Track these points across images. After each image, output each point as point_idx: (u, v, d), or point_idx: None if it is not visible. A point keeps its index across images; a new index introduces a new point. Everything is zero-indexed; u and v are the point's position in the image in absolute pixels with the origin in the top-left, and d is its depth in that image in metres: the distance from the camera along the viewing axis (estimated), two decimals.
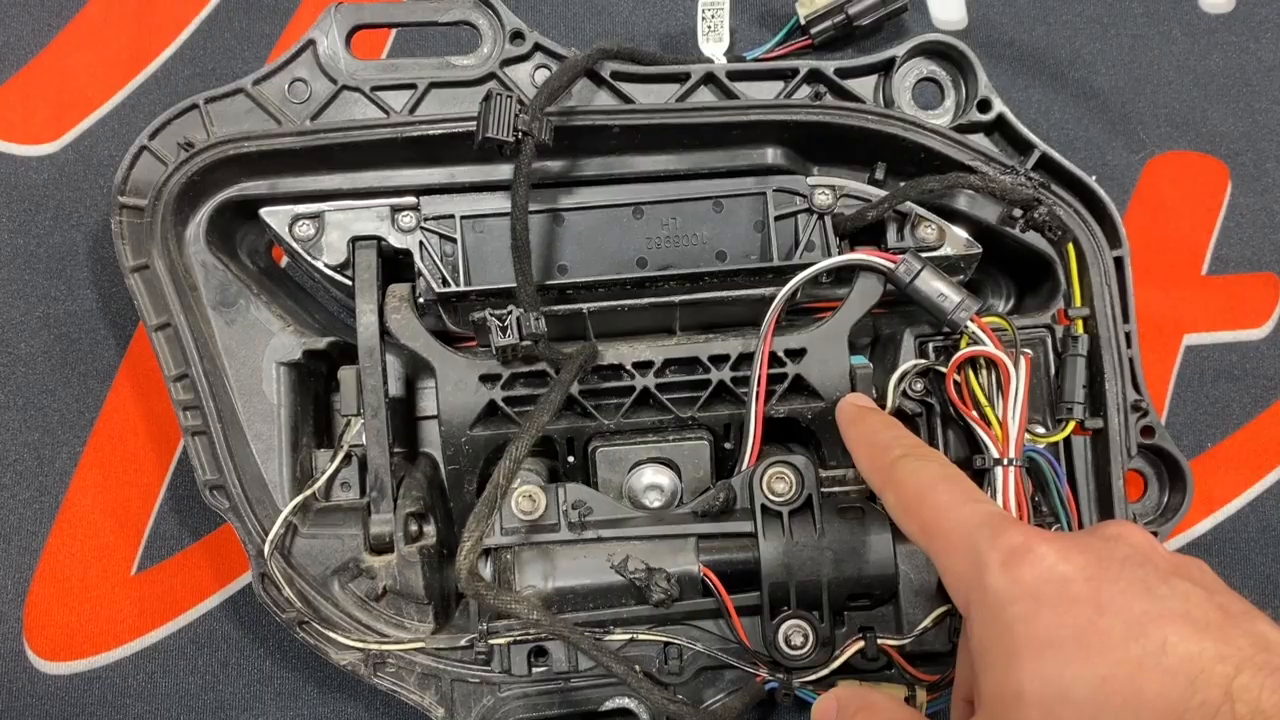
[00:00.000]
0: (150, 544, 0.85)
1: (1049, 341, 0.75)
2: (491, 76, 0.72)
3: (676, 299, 0.72)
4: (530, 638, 0.71)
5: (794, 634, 0.69)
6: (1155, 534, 0.76)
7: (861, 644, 0.71)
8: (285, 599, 0.71)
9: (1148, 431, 0.76)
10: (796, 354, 0.71)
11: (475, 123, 0.65)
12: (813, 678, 0.70)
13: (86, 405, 0.86)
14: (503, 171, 0.71)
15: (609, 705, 0.72)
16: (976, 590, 0.50)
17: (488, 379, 0.71)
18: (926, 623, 0.71)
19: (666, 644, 0.71)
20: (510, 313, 0.66)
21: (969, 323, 0.68)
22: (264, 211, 0.72)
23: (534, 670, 0.71)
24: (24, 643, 0.83)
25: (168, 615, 0.84)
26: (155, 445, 0.86)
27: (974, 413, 0.69)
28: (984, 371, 0.69)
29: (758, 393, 0.71)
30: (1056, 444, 0.75)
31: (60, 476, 0.85)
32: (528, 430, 0.64)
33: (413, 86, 0.71)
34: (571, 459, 0.73)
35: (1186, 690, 0.42)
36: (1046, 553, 0.48)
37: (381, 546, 0.71)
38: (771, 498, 0.68)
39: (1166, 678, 0.43)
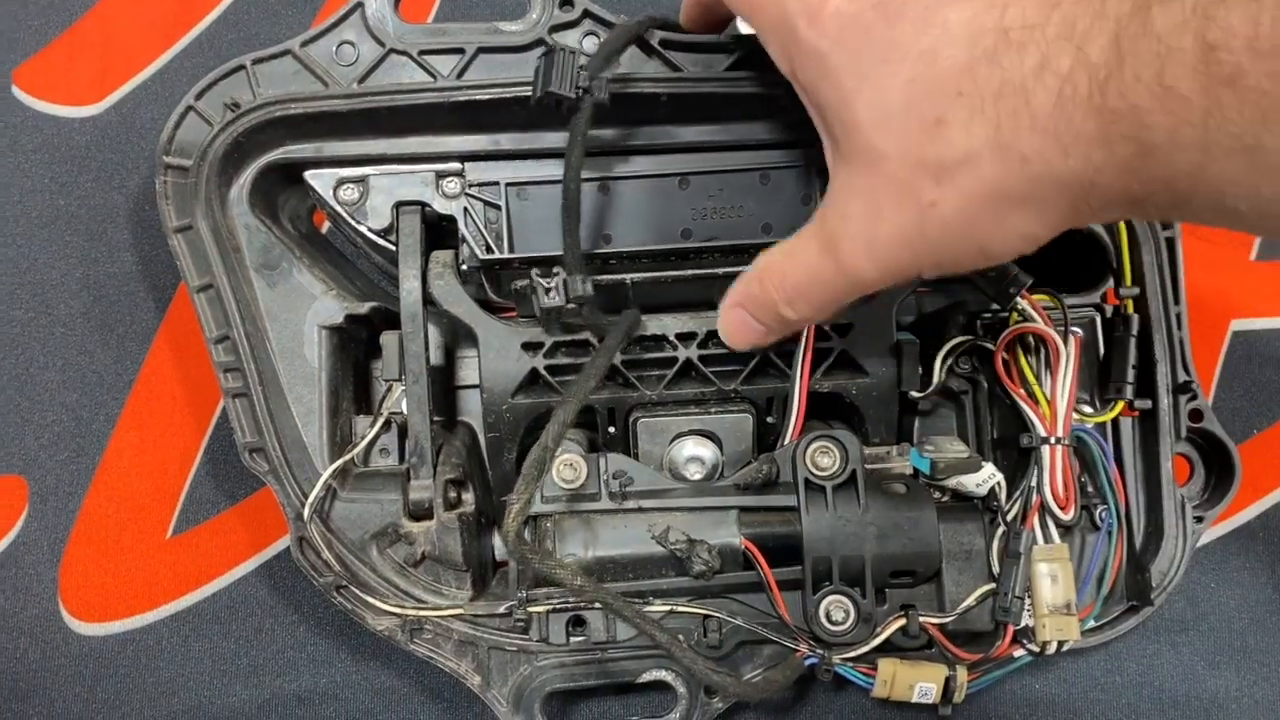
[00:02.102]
0: (186, 507, 0.85)
1: (1098, 321, 0.74)
2: (540, 43, 0.70)
3: (720, 270, 0.71)
4: (569, 606, 0.70)
5: (835, 610, 0.68)
6: (1200, 519, 0.75)
7: (903, 621, 0.70)
8: (324, 562, 0.71)
9: (1195, 415, 0.75)
10: (842, 329, 0.71)
11: (534, 77, 0.64)
12: (853, 654, 0.70)
13: (125, 367, 0.86)
14: (547, 139, 0.70)
15: (646, 677, 0.72)
16: (793, 47, 0.55)
17: (530, 347, 0.70)
18: (970, 601, 0.71)
19: (706, 617, 0.71)
20: (557, 275, 0.65)
21: (1019, 299, 0.68)
22: (309, 174, 0.71)
23: (572, 640, 0.71)
24: (59, 603, 0.83)
25: (202, 579, 0.84)
26: (193, 408, 0.86)
27: (1021, 390, 0.68)
28: (1032, 349, 0.69)
29: (803, 367, 0.70)
30: (1104, 424, 0.74)
31: (98, 438, 0.85)
32: (576, 394, 0.63)
33: (460, 51, 0.70)
34: (612, 429, 0.73)
35: (970, 47, 0.47)
36: (839, 2, 0.52)
37: (420, 512, 0.71)
38: (815, 472, 0.68)
39: (953, 48, 0.48)
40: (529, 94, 0.65)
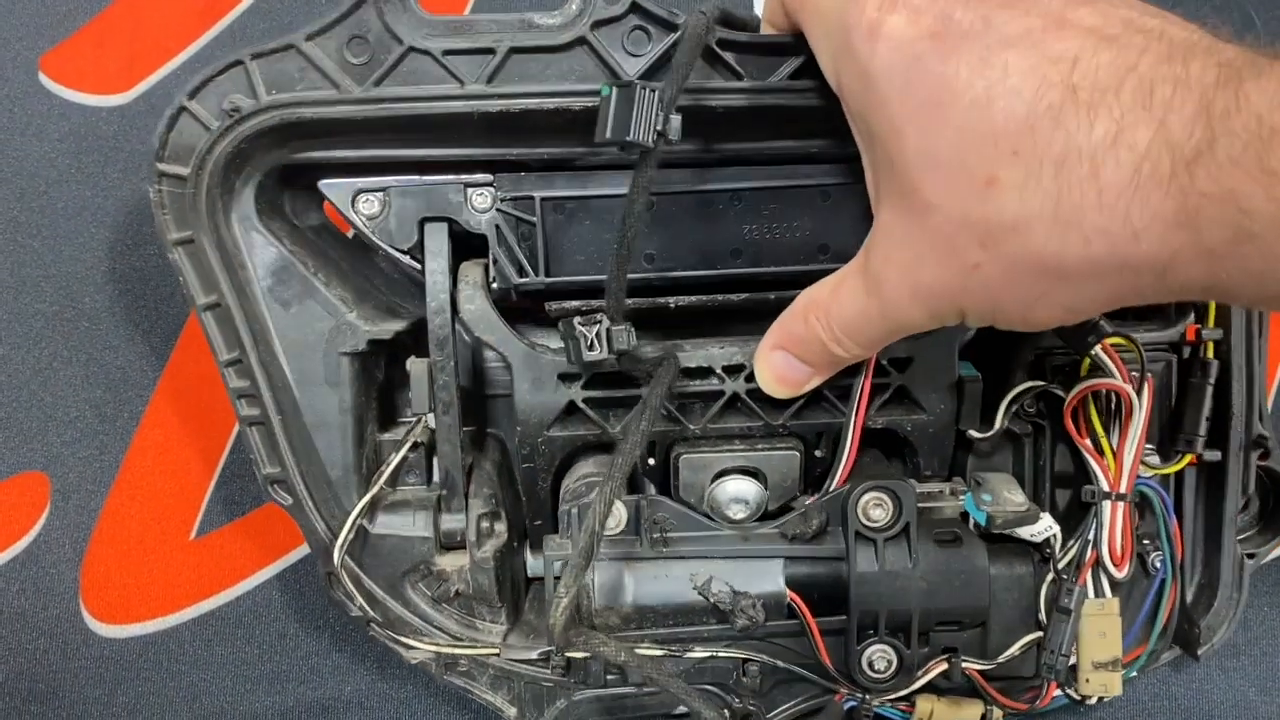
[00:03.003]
0: (210, 508, 0.80)
1: (1174, 364, 0.67)
2: (581, 41, 0.59)
3: (772, 295, 0.63)
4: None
5: (878, 659, 0.63)
6: (1252, 555, 0.70)
7: (945, 666, 0.65)
8: (357, 605, 0.66)
9: (1262, 454, 0.68)
10: (901, 364, 0.63)
11: (602, 115, 0.54)
12: (891, 696, 0.66)
13: (150, 364, 0.81)
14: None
15: (682, 709, 0.67)
16: (844, 62, 0.49)
17: (567, 378, 0.63)
18: (1013, 650, 0.65)
19: (745, 660, 0.65)
20: (600, 323, 0.58)
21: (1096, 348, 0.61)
22: (324, 184, 0.63)
23: (609, 678, 0.66)
24: (80, 604, 0.79)
25: (226, 582, 0.80)
26: (219, 407, 0.80)
27: (1088, 442, 0.62)
28: (1103, 396, 0.63)
29: (859, 406, 0.63)
30: (1168, 475, 0.68)
31: (121, 435, 0.80)
32: (619, 468, 0.56)
33: (490, 52, 0.59)
34: (652, 460, 0.65)
35: (1031, 101, 0.42)
36: (896, 22, 0.46)
37: (452, 544, 0.65)
38: (867, 524, 0.61)
39: (1013, 99, 0.42)
40: (570, 105, 0.57)
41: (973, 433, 0.66)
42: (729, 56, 0.59)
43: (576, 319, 0.58)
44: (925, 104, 0.45)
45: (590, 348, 0.58)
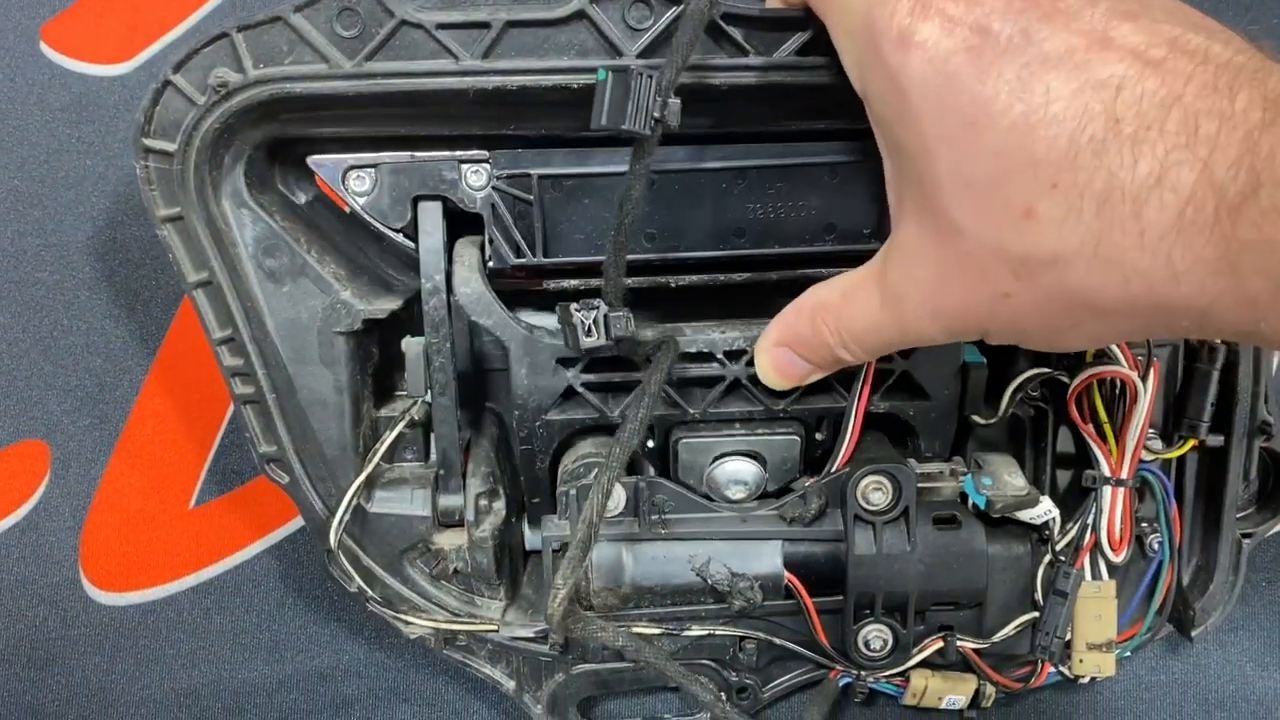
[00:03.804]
0: (210, 477, 0.77)
1: (1180, 348, 0.64)
2: (580, 15, 0.55)
3: (774, 275, 0.60)
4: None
5: (874, 639, 0.62)
6: (1250, 535, 0.67)
7: (940, 644, 0.63)
8: (355, 584, 0.63)
9: (1265, 439, 0.65)
10: (906, 350, 0.60)
11: (597, 101, 0.49)
12: (887, 673, 0.64)
13: (150, 333, 0.77)
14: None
15: None
16: (871, 67, 0.45)
17: (566, 362, 0.59)
18: (1008, 630, 0.64)
19: (742, 637, 0.63)
20: (597, 308, 0.54)
21: None
22: (312, 160, 0.59)
23: (606, 652, 0.64)
24: (80, 571, 0.76)
25: (225, 551, 0.77)
26: (218, 378, 0.75)
27: (1091, 428, 0.60)
28: (1108, 382, 0.60)
29: (861, 394, 0.60)
30: (1169, 459, 0.65)
31: (121, 404, 0.77)
32: (618, 456, 0.52)
33: (485, 26, 0.55)
34: (651, 443, 0.62)
35: (1072, 131, 0.38)
36: (929, 31, 0.42)
37: (450, 522, 0.62)
38: (866, 507, 0.58)
39: (1054, 127, 0.39)
40: (569, 82, 0.54)
41: (976, 419, 0.63)
42: (735, 31, 0.54)
43: (573, 305, 0.55)
44: (960, 125, 0.41)
45: (588, 334, 0.54)
